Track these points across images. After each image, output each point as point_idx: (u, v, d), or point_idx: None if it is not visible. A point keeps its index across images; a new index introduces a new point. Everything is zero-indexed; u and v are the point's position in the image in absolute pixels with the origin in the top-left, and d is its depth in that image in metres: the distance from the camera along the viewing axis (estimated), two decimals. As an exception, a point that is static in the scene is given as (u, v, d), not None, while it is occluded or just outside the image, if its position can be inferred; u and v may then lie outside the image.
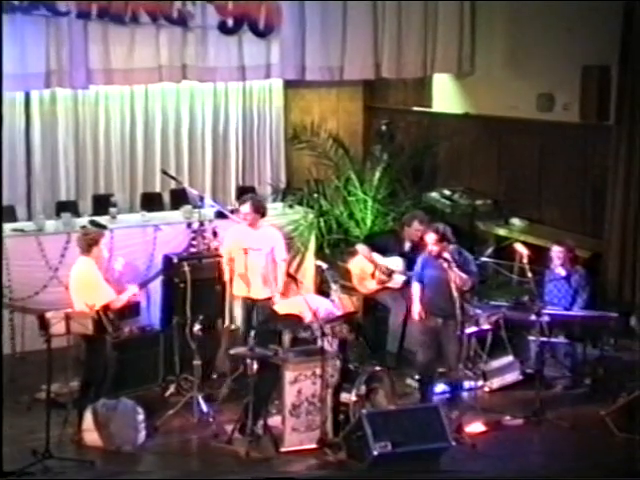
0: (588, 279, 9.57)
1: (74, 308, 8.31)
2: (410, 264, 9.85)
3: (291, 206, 11.59)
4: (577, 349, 9.39)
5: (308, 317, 8.55)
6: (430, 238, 8.67)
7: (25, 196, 12.00)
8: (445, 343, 8.70)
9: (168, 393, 9.01)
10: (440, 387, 9.10)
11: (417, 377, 9.13)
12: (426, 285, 8.84)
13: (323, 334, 8.08)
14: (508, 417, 8.67)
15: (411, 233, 9.95)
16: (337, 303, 9.14)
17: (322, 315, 8.60)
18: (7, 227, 9.97)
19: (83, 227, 10.07)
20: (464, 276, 8.59)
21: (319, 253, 11.28)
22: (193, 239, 10.26)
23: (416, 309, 8.92)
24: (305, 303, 8.58)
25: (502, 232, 11.77)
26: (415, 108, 13.72)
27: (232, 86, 12.85)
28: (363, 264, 10.10)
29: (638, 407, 8.28)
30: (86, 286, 8.34)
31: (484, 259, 10.02)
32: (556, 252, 9.50)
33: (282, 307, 9.08)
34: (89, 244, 8.47)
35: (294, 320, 8.63)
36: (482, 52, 12.71)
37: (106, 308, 8.29)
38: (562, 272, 9.52)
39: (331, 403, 8.12)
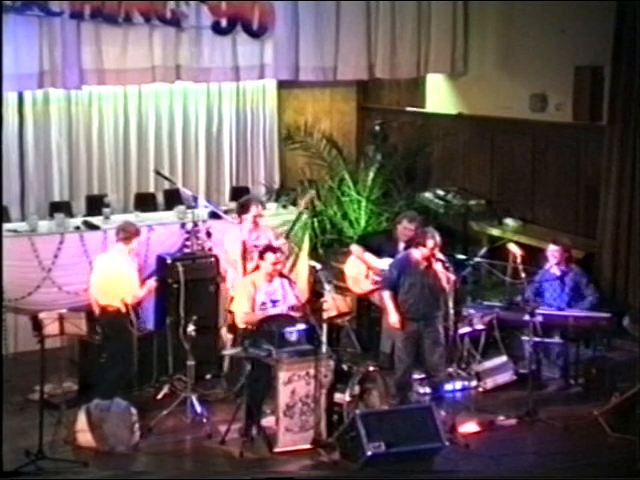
0: (585, 275, 9.59)
1: (99, 302, 8.52)
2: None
3: (285, 206, 11.59)
4: (570, 349, 9.40)
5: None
6: (430, 243, 8.57)
7: (18, 197, 11.96)
8: (429, 346, 8.62)
9: (162, 394, 9.00)
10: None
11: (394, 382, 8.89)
12: (407, 291, 8.65)
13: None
14: (502, 417, 8.68)
15: (401, 232, 9.97)
16: (330, 304, 9.13)
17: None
18: None
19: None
20: (452, 276, 8.60)
21: (313, 253, 11.28)
22: (187, 239, 10.25)
23: (394, 318, 8.66)
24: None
25: (495, 232, 11.78)
26: (408, 108, 13.73)
27: (225, 87, 12.83)
28: (357, 265, 10.11)
29: (631, 407, 8.30)
30: (122, 278, 8.53)
31: (478, 259, 10.03)
32: (552, 251, 9.51)
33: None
34: (132, 233, 8.70)
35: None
36: (475, 52, 12.73)
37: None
38: (557, 272, 9.53)
39: (325, 403, 8.13)
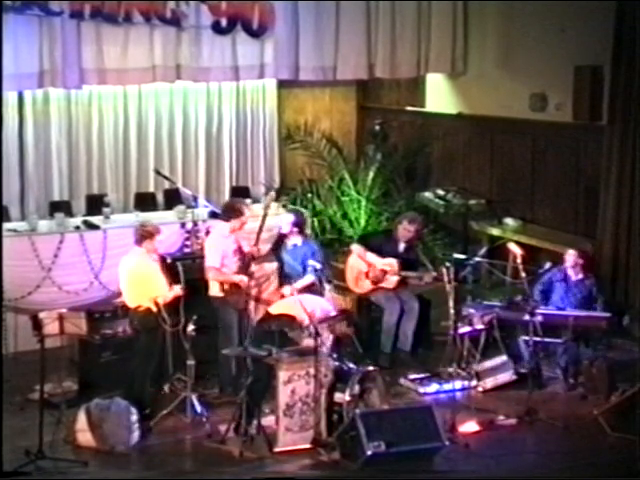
0: (602, 290, 9.67)
1: (127, 303, 8.59)
2: (405, 264, 9.88)
3: (285, 206, 11.59)
4: (570, 349, 9.40)
5: (304, 319, 8.52)
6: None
7: (18, 196, 11.97)
8: None
9: (161, 393, 9.00)
10: (434, 387, 9.15)
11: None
12: None
13: (317, 334, 8.06)
14: (502, 417, 8.68)
15: (401, 232, 10.00)
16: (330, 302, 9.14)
17: (319, 315, 8.61)
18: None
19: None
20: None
21: (312, 253, 11.27)
22: (187, 239, 10.27)
23: None
24: (300, 305, 8.57)
25: (495, 232, 11.79)
26: (408, 108, 13.74)
27: (225, 86, 12.83)
28: (358, 264, 10.11)
29: (631, 407, 8.30)
30: (145, 279, 8.53)
31: (478, 259, 10.03)
32: (579, 264, 9.50)
33: (277, 308, 9.07)
34: (143, 236, 8.64)
35: (288, 320, 8.62)
36: (475, 52, 12.74)
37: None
38: (572, 275, 9.53)
39: (325, 403, 8.12)
